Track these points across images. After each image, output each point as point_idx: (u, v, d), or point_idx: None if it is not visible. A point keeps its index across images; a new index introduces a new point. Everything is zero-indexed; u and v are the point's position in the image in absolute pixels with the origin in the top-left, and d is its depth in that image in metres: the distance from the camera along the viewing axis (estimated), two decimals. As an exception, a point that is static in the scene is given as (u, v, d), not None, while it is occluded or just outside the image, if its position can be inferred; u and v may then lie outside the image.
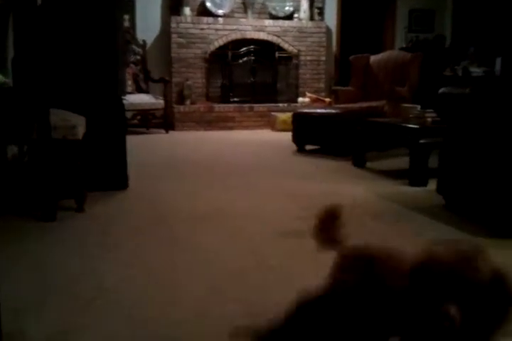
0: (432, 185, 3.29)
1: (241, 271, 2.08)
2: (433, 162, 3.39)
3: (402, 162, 4.27)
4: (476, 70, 7.40)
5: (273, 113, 7.16)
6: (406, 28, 8.59)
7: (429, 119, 3.76)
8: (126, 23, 6.96)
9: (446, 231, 2.59)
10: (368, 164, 4.36)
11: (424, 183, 3.56)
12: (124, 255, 2.26)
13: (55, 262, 2.16)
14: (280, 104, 7.46)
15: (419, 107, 4.01)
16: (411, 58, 5.63)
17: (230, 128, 7.17)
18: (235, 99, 7.45)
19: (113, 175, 3.42)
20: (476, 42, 8.09)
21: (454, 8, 8.69)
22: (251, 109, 7.32)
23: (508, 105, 2.48)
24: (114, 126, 3.41)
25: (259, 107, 7.34)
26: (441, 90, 2.98)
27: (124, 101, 3.60)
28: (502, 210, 2.57)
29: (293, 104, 7.34)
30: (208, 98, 7.40)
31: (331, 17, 8.04)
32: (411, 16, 8.60)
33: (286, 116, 6.69)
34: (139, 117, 6.53)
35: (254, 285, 1.95)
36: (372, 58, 6.05)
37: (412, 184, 3.59)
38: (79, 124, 2.88)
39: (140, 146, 5.27)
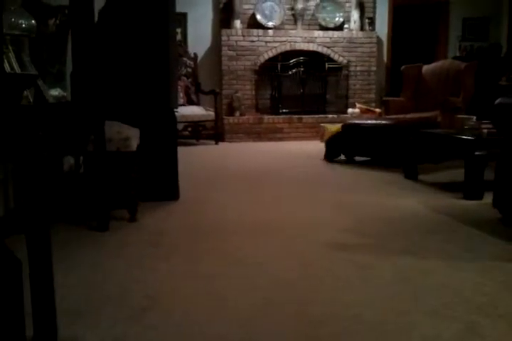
0: (488, 198, 3.18)
1: (290, 283, 2.06)
2: (489, 175, 3.28)
3: (456, 174, 4.16)
4: (534, 79, 7.14)
5: (322, 124, 7.12)
6: (459, 37, 8.40)
7: (484, 131, 3.64)
8: (178, 37, 7.13)
9: (500, 246, 2.49)
10: (421, 176, 4.26)
11: (479, 196, 3.44)
12: (175, 266, 2.29)
13: (109, 271, 2.22)
14: (329, 115, 7.42)
15: (474, 118, 3.90)
16: (465, 67, 5.49)
17: (279, 139, 7.19)
18: (284, 111, 7.47)
19: (165, 186, 3.49)
20: (535, 50, 7.81)
21: (511, 15, 8.43)
22: (300, 120, 7.32)
23: None
24: (166, 138, 3.49)
25: (308, 118, 7.33)
26: (497, 100, 2.88)
27: (176, 113, 3.68)
28: None
29: (342, 115, 7.29)
30: (258, 109, 7.45)
31: (382, 27, 7.97)
32: (465, 24, 8.41)
33: (335, 127, 6.64)
34: (189, 129, 6.65)
35: (302, 298, 1.93)
36: (425, 68, 5.94)
37: (466, 197, 3.48)
38: (133, 136, 2.96)
39: (191, 157, 5.36)
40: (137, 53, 3.40)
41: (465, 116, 4.11)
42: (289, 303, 1.89)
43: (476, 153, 3.43)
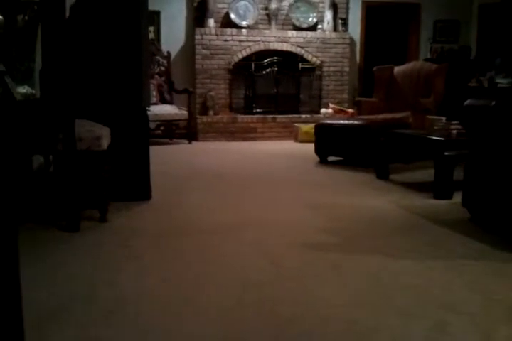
0: (457, 198, 3.24)
1: (262, 283, 2.06)
2: (458, 174, 3.33)
3: (426, 174, 4.22)
4: (502, 81, 7.30)
5: (296, 124, 7.15)
6: (431, 39, 8.53)
7: (454, 131, 3.70)
8: (151, 35, 7.06)
9: (470, 245, 2.54)
10: (392, 176, 4.31)
11: (449, 196, 3.50)
12: (145, 266, 2.26)
13: (78, 272, 2.18)
14: (303, 115, 7.45)
15: (444, 119, 3.96)
16: (436, 69, 5.57)
17: (253, 138, 7.19)
18: (258, 110, 7.48)
19: (136, 186, 3.45)
20: (503, 53, 7.99)
21: (480, 18, 8.60)
22: (274, 119, 7.33)
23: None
24: (138, 137, 3.45)
25: (282, 118, 7.34)
26: (466, 102, 2.93)
27: (148, 112, 3.64)
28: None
29: (316, 115, 7.33)
30: (231, 109, 7.43)
31: (355, 28, 8.04)
32: (435, 27, 8.55)
33: (308, 127, 6.68)
34: (162, 128, 6.59)
35: (274, 297, 1.93)
36: (396, 69, 6.01)
37: (436, 197, 3.54)
38: (103, 135, 2.92)
39: (163, 157, 5.31)
40: (109, 51, 3.35)
41: (435, 117, 4.16)
42: (261, 303, 1.89)
43: (446, 153, 3.49)
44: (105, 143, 2.94)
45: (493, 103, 2.71)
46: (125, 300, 1.90)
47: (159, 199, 3.47)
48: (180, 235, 2.72)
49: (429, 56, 8.36)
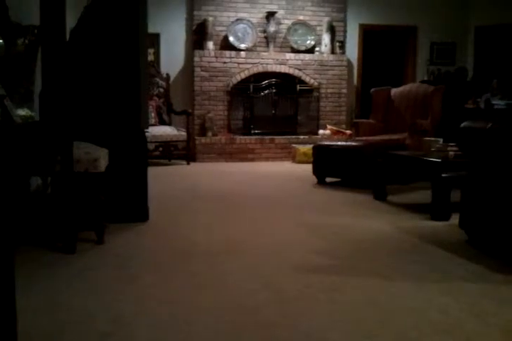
0: (455, 219, 3.23)
1: (257, 306, 2.05)
2: (456, 196, 3.34)
3: (424, 195, 4.22)
4: (498, 103, 7.37)
5: (294, 145, 7.18)
6: (428, 61, 8.63)
7: (451, 153, 3.72)
8: (151, 57, 7.15)
9: (467, 267, 2.53)
10: (389, 197, 4.32)
11: (446, 218, 3.50)
12: (141, 289, 2.25)
13: (74, 295, 2.17)
14: (301, 136, 7.49)
15: (441, 141, 3.99)
16: (433, 91, 5.63)
17: (251, 159, 7.21)
18: (256, 131, 7.52)
19: (134, 208, 3.45)
20: (499, 75, 8.07)
21: (476, 40, 8.72)
22: (272, 140, 7.36)
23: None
24: (136, 159, 3.46)
25: (280, 139, 7.38)
26: (463, 124, 2.96)
27: (147, 134, 3.66)
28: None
29: (314, 136, 7.37)
30: (230, 130, 7.48)
31: (353, 50, 8.14)
32: (432, 49, 8.65)
33: (306, 149, 6.71)
34: (161, 149, 6.61)
35: (270, 321, 1.91)
36: (394, 91, 6.07)
37: (434, 218, 3.54)
38: (101, 157, 2.93)
39: (162, 178, 5.32)
40: (107, 73, 3.39)
41: (432, 138, 4.19)
42: (256, 327, 1.87)
43: (443, 175, 3.50)
44: (103, 164, 2.95)
45: (490, 125, 2.73)
46: (121, 323, 1.89)
47: (157, 220, 3.47)
48: (177, 258, 2.71)
49: (426, 78, 8.44)
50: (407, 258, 2.71)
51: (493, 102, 7.38)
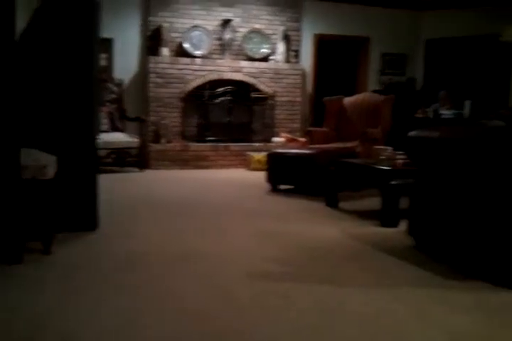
0: (404, 225, 3.31)
1: (210, 315, 2.03)
2: (405, 203, 3.42)
3: (374, 202, 4.31)
4: (446, 112, 7.63)
5: (248, 152, 7.21)
6: (379, 71, 8.85)
7: (400, 161, 3.82)
8: (104, 62, 7.04)
9: (415, 273, 2.59)
10: (341, 204, 4.39)
11: (395, 224, 3.58)
12: (89, 301, 2.19)
13: (19, 307, 2.09)
14: (256, 144, 7.53)
15: (390, 149, 4.09)
16: (383, 100, 5.77)
17: (206, 167, 7.19)
18: (211, 138, 7.51)
19: (83, 216, 3.37)
20: (447, 86, 8.37)
21: (426, 52, 9.01)
22: (226, 148, 7.36)
23: (475, 149, 2.54)
24: (86, 166, 3.38)
25: (235, 146, 7.39)
26: (411, 133, 3.04)
27: (99, 140, 3.59)
28: (469, 252, 2.59)
29: (268, 144, 7.42)
30: (184, 137, 7.43)
31: (307, 59, 8.26)
32: (384, 60, 8.89)
33: (261, 156, 6.75)
34: (113, 156, 6.50)
35: (221, 330, 1.90)
36: (346, 100, 6.19)
37: (383, 225, 3.61)
38: (49, 164, 2.85)
39: (113, 185, 5.23)
40: (57, 78, 3.31)
41: (382, 147, 4.29)
42: (208, 336, 1.86)
43: (392, 182, 3.58)
44: (51, 171, 2.87)
45: (437, 134, 2.82)
46: (68, 335, 1.83)
47: (107, 229, 3.40)
48: (127, 267, 2.66)
49: (377, 88, 8.66)
50: (358, 264, 2.75)
51: (441, 112, 7.64)
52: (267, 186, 5.27)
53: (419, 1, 8.68)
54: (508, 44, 7.96)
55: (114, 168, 6.47)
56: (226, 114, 7.63)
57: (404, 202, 3.47)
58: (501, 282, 2.37)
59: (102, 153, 6.03)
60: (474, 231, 2.53)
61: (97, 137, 3.57)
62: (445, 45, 8.89)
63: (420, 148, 3.01)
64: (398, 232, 3.43)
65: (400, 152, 3.95)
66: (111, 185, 5.05)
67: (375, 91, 7.59)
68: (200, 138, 7.49)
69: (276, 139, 7.50)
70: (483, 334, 1.88)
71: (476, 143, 2.53)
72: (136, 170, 6.56)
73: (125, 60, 7.30)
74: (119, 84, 7.02)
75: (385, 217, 3.62)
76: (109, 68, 7.12)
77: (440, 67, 9.02)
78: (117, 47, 7.26)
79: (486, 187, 2.47)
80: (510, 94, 8.45)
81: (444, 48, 8.93)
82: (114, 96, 6.94)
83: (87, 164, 3.39)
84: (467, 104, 7.53)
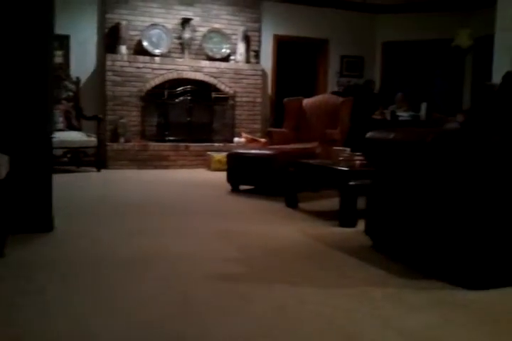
0: (361, 226, 3.36)
1: (169, 318, 2.01)
2: (364, 203, 3.47)
3: (333, 203, 4.36)
4: (403, 114, 7.80)
5: (209, 152, 7.18)
6: (338, 73, 8.98)
7: (357, 162, 3.88)
8: (60, 59, 6.87)
9: (372, 272, 2.63)
10: (301, 205, 4.42)
11: (353, 224, 3.63)
12: (44, 304, 2.13)
13: (-35, 312, 2.01)
14: (216, 144, 7.51)
15: (348, 150, 4.14)
16: (342, 102, 5.85)
17: (165, 167, 7.12)
18: (171, 138, 7.44)
19: (37, 217, 3.27)
20: (404, 88, 8.56)
21: (383, 55, 9.19)
22: (187, 148, 7.32)
23: (429, 151, 2.60)
24: (40, 165, 3.29)
25: (195, 146, 7.36)
26: (367, 135, 3.09)
27: (54, 139, 3.50)
28: (425, 251, 2.65)
29: (229, 144, 7.41)
30: (143, 136, 7.35)
31: (267, 60, 8.30)
32: (342, 62, 9.02)
33: (221, 156, 6.73)
34: (69, 155, 6.36)
35: (177, 332, 1.88)
36: (305, 101, 6.24)
37: (342, 225, 3.66)
38: (1, 164, 2.76)
39: (70, 185, 5.11)
40: (9, 75, 3.21)
41: (340, 148, 4.35)
42: (163, 339, 1.83)
43: (350, 183, 3.63)
44: (3, 172, 2.78)
45: (392, 136, 2.87)
46: (17, 337, 1.78)
47: (63, 230, 3.32)
48: (83, 269, 2.60)
49: (336, 89, 8.78)
50: (316, 264, 2.78)
51: (398, 114, 7.81)
52: (227, 186, 5.26)
53: (377, 5, 8.86)
54: (459, 49, 8.21)
55: (70, 168, 6.33)
56: (186, 114, 7.59)
57: (362, 203, 3.52)
58: (457, 281, 2.43)
59: (58, 152, 5.89)
60: (429, 231, 2.59)
61: (52, 136, 3.48)
62: (401, 48, 9.10)
63: (376, 149, 3.06)
64: (356, 232, 3.48)
65: (358, 153, 4.01)
66: (67, 186, 4.94)
67: (334, 93, 7.70)
68: (159, 138, 7.42)
69: (236, 139, 7.50)
70: (439, 334, 1.92)
71: (429, 146, 2.58)
72: (94, 170, 6.44)
73: (82, 58, 7.16)
74: (76, 82, 6.87)
75: (343, 217, 3.67)
76: (65, 65, 6.96)
77: (397, 69, 9.23)
78: (74, 45, 7.12)
79: (440, 188, 2.54)
80: (463, 97, 8.72)
81: (401, 51, 9.14)
82: (70, 94, 6.78)
83: (41, 164, 3.30)
84: (423, 106, 7.72)
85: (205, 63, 7.58)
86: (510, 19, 5.87)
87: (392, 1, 8.72)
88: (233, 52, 7.84)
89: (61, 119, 6.50)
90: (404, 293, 2.34)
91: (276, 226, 3.67)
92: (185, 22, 7.47)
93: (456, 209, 2.44)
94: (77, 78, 6.91)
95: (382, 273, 2.62)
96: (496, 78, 5.46)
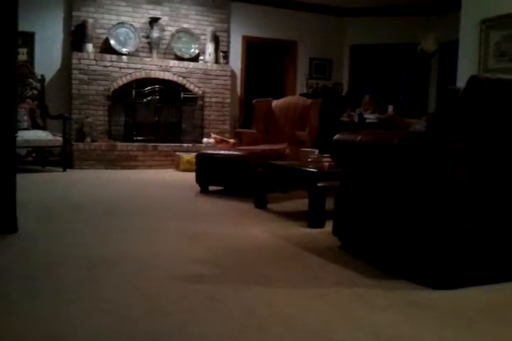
0: (330, 226, 3.38)
1: (135, 319, 1.98)
2: (330, 204, 3.50)
3: (302, 204, 4.38)
4: (370, 117, 7.91)
5: (177, 153, 7.13)
6: (307, 75, 9.04)
7: (326, 163, 3.91)
8: (25, 57, 6.72)
9: (339, 272, 2.65)
10: (270, 205, 4.42)
11: (321, 225, 3.66)
12: (8, 306, 2.07)
13: None
14: (185, 144, 7.46)
15: (317, 151, 4.17)
16: (311, 104, 5.89)
17: (133, 167, 7.04)
18: (139, 138, 7.36)
19: (0, 217, 3.18)
20: (370, 91, 8.68)
21: (351, 57, 9.30)
22: (155, 148, 7.25)
23: (394, 153, 2.64)
24: (3, 164, 3.20)
25: (164, 147, 7.29)
26: (335, 137, 3.11)
27: (18, 138, 3.41)
28: (392, 251, 2.68)
29: (198, 145, 7.37)
30: (111, 136, 7.24)
31: (236, 61, 8.29)
32: (311, 64, 9.08)
33: (190, 157, 6.69)
34: (34, 154, 6.22)
35: (148, 334, 1.85)
36: (274, 103, 6.26)
37: (310, 225, 3.68)
38: (-38, 163, 2.67)
39: (34, 186, 4.99)
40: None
41: (309, 149, 4.38)
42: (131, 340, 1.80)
43: (318, 184, 3.65)
44: (-37, 171, 2.69)
45: (359, 138, 2.90)
46: (-22, 347, 1.72)
47: (27, 231, 3.23)
48: (47, 271, 2.54)
49: (305, 91, 8.83)
50: (285, 265, 2.78)
51: (365, 116, 7.91)
52: (196, 187, 5.23)
53: (345, 8, 8.96)
54: (425, 53, 8.38)
55: (35, 168, 6.19)
56: (154, 114, 7.52)
57: (330, 203, 3.55)
58: (423, 281, 2.47)
59: (22, 151, 5.76)
60: (397, 232, 2.63)
61: (16, 135, 3.39)
62: (369, 51, 9.23)
63: (343, 151, 3.09)
64: (324, 233, 3.50)
65: (326, 155, 4.05)
66: (32, 186, 4.82)
67: (302, 95, 7.75)
68: (127, 138, 7.33)
69: (205, 140, 7.47)
70: (407, 333, 1.95)
71: (395, 149, 2.62)
72: (59, 169, 6.31)
73: (47, 55, 7.01)
74: (41, 80, 6.73)
75: (312, 218, 3.69)
76: (30, 63, 6.80)
77: (365, 72, 9.35)
78: (39, 42, 6.97)
79: (406, 189, 2.57)
80: (429, 100, 8.90)
81: (368, 54, 9.27)
82: (35, 92, 6.64)
83: (4, 163, 3.21)
84: (390, 108, 7.85)
85: (174, 63, 7.53)
86: (474, 24, 6.02)
87: (360, 4, 8.83)
88: (202, 52, 7.81)
89: (25, 118, 6.35)
90: (372, 292, 2.37)
91: (245, 227, 3.67)
92: (154, 21, 7.40)
93: (421, 210, 2.48)
94: (42, 76, 6.76)
95: (350, 274, 2.64)
96: (461, 82, 5.59)
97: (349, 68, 9.35)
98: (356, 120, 7.93)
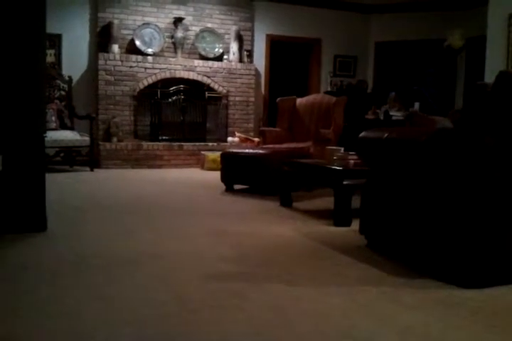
0: (356, 225, 3.36)
1: (164, 317, 2.00)
2: (357, 203, 3.47)
3: (327, 202, 4.37)
4: (396, 114, 7.82)
5: (202, 152, 7.17)
6: (331, 73, 8.98)
7: (351, 161, 3.88)
8: (52, 58, 6.84)
9: (366, 271, 2.64)
10: (295, 204, 4.42)
11: (347, 223, 3.63)
12: (37, 303, 2.11)
13: (-42, 313, 1.99)
14: (210, 143, 7.50)
15: (342, 149, 4.14)
16: (335, 101, 5.85)
17: (159, 166, 7.10)
18: (164, 138, 7.42)
19: (31, 217, 3.25)
20: (396, 88, 8.58)
21: (376, 54, 9.21)
22: (180, 147, 7.30)
23: (421, 150, 2.61)
24: (33, 165, 3.27)
25: (189, 146, 7.34)
26: (361, 134, 3.09)
27: (47, 138, 3.48)
28: (419, 250, 2.65)
29: (222, 144, 7.40)
30: (137, 136, 7.32)
31: (260, 60, 8.29)
32: (335, 61, 9.02)
33: (215, 156, 6.72)
34: (62, 154, 6.32)
35: (174, 332, 1.87)
36: (299, 101, 6.24)
37: (336, 224, 3.66)
38: (-6, 163, 2.74)
39: (62, 185, 5.08)
40: (0, 74, 3.18)
41: (334, 147, 4.35)
42: (163, 339, 1.82)
43: (344, 182, 3.63)
44: (-5, 171, 2.76)
45: (385, 135, 2.87)
46: (17, 338, 1.76)
47: (56, 230, 3.30)
48: (77, 269, 2.58)
49: (329, 89, 8.78)
50: (312, 263, 2.78)
51: (391, 113, 7.83)
52: (221, 186, 5.25)
53: (370, 5, 8.88)
54: (451, 49, 8.24)
55: (63, 167, 6.30)
56: (179, 113, 7.57)
57: (357, 202, 3.52)
58: (452, 280, 2.44)
59: (51, 151, 5.86)
60: (425, 230, 2.59)
61: (45, 135, 3.46)
62: (394, 48, 9.12)
63: (370, 148, 3.06)
64: (351, 231, 3.48)
65: (352, 152, 4.02)
66: (60, 185, 4.91)
67: (327, 93, 7.71)
68: (153, 137, 7.40)
69: (230, 139, 7.49)
70: (434, 332, 1.93)
71: (423, 146, 2.59)
72: (87, 169, 6.41)
73: (74, 57, 7.12)
74: (68, 81, 6.84)
75: (337, 217, 3.67)
76: (57, 64, 6.92)
77: (390, 69, 9.25)
78: (66, 43, 7.08)
79: (434, 187, 2.54)
80: (456, 97, 8.76)
81: (393, 51, 9.16)
82: (62, 93, 6.75)
83: (33, 163, 3.27)
84: (416, 105, 7.75)
85: (198, 62, 7.57)
86: (502, 19, 5.90)
87: (385, 0, 8.74)
88: (226, 51, 7.83)
89: (54, 118, 6.46)
90: (399, 291, 2.35)
91: (271, 225, 3.67)
92: (178, 21, 7.45)
93: (450, 208, 2.44)
94: (69, 77, 6.87)
95: (377, 272, 2.62)
96: (489, 78, 5.49)
97: (374, 65, 9.26)
98: (382, 117, 7.85)
